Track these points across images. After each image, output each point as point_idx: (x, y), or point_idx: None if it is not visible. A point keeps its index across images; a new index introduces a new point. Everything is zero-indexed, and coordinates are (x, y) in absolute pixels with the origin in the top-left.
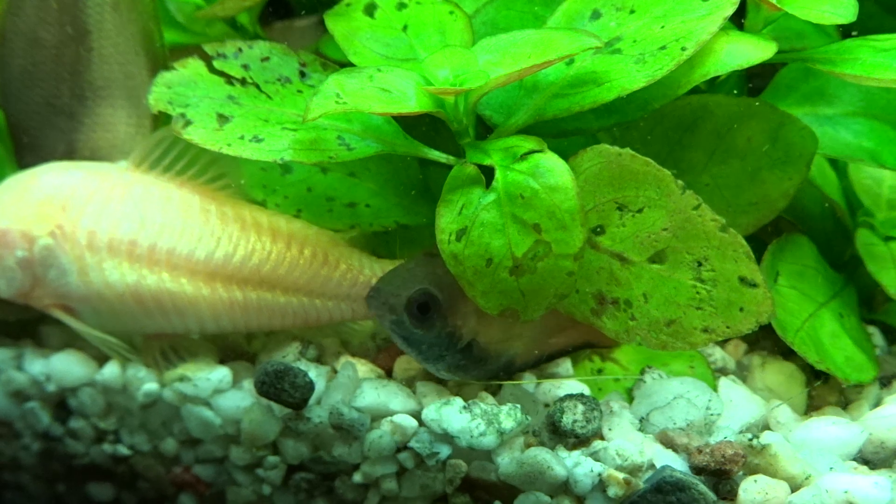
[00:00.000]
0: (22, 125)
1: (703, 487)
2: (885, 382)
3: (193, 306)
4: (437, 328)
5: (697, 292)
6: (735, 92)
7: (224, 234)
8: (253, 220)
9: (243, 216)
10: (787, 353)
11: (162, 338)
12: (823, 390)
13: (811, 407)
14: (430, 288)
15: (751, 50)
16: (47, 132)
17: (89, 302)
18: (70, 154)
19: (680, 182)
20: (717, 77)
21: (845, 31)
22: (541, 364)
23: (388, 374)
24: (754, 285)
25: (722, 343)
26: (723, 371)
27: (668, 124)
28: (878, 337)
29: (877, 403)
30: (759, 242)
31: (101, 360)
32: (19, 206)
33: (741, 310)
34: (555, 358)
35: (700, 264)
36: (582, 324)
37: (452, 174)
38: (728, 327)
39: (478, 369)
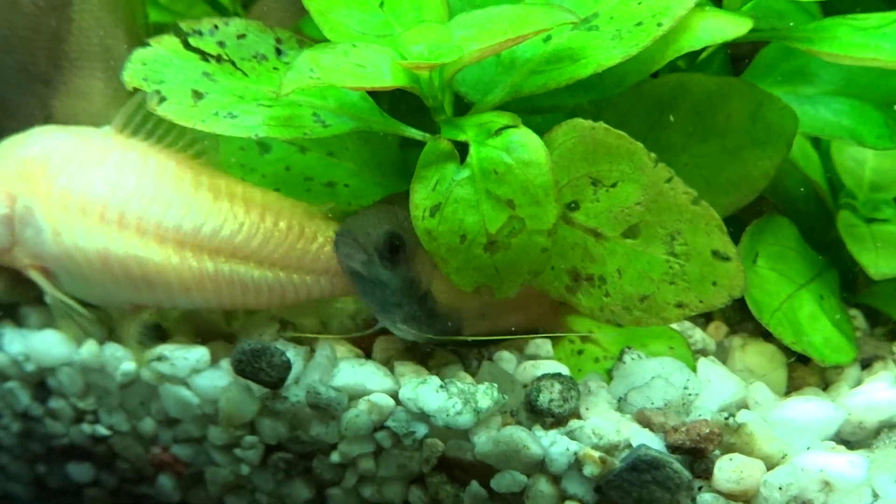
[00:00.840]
0: None
1: (678, 466)
2: (865, 364)
3: (161, 275)
4: (402, 271)
5: (671, 267)
6: (720, 72)
7: (196, 202)
8: (228, 189)
9: (218, 185)
10: (769, 335)
11: (137, 311)
12: (804, 372)
13: (791, 388)
14: (397, 229)
15: (726, 25)
16: (23, 97)
17: (62, 264)
18: (47, 120)
19: (652, 155)
20: (698, 56)
21: (828, 12)
22: (491, 339)
23: (368, 354)
24: (727, 259)
25: (703, 324)
26: (703, 352)
27: (647, 103)
28: (860, 319)
29: (857, 385)
30: (741, 224)
31: (81, 339)
32: (4, 166)
33: (714, 284)
34: (505, 337)
35: (673, 238)
36: (538, 307)
37: (426, 150)
38: (701, 301)
39: (430, 325)
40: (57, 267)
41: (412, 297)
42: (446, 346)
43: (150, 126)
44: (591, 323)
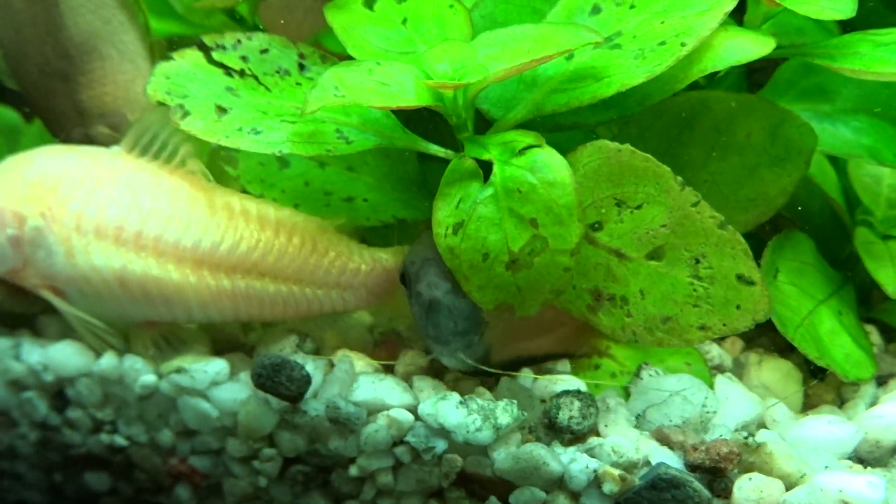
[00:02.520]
0: (32, 99)
1: (697, 485)
2: (881, 381)
3: (180, 294)
4: (473, 304)
5: (694, 289)
6: (736, 87)
7: (212, 221)
8: (242, 207)
9: (232, 204)
10: (784, 351)
11: (152, 326)
12: (820, 389)
13: (807, 405)
14: None
15: (749, 45)
16: (52, 99)
17: (75, 284)
18: (81, 115)
19: (679, 178)
20: (717, 72)
21: (846, 28)
22: (511, 363)
23: (390, 369)
24: (752, 283)
25: (719, 340)
26: (720, 368)
27: (667, 120)
28: (875, 335)
29: (873, 402)
30: (757, 240)
31: (99, 350)
32: (12, 187)
33: (738, 307)
34: (524, 363)
35: (698, 261)
36: (565, 329)
37: (450, 168)
38: (725, 325)
39: (480, 354)
40: (69, 287)
41: (479, 326)
42: (488, 374)
43: (159, 146)
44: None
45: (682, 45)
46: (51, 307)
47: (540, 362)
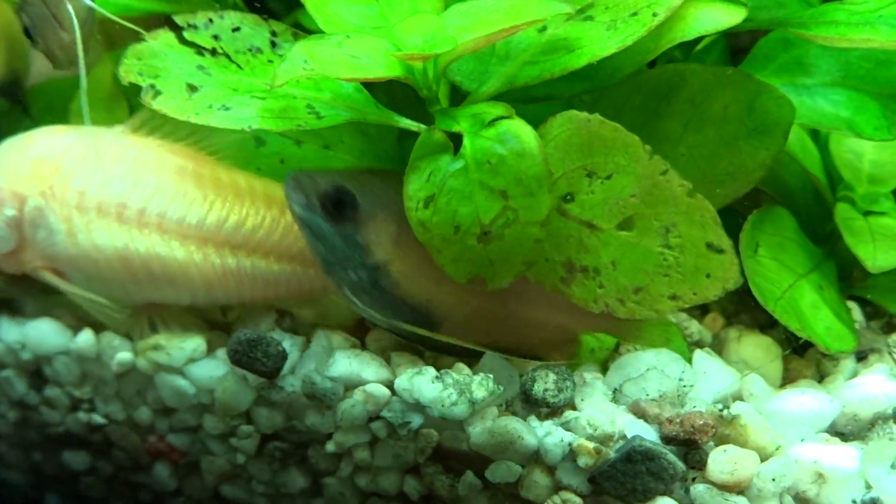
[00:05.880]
0: None
1: (672, 457)
2: (861, 357)
3: (184, 273)
4: (347, 230)
5: (665, 259)
6: (719, 63)
7: (217, 199)
8: (248, 186)
9: (237, 182)
10: (765, 327)
11: (155, 308)
12: (800, 364)
13: (787, 380)
14: (351, 188)
15: (720, 15)
16: None
17: (77, 264)
18: None
19: (648, 147)
20: (696, 46)
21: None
22: (465, 352)
23: (362, 345)
24: (721, 251)
25: (700, 316)
26: (699, 344)
27: (644, 93)
28: (856, 312)
29: (852, 377)
30: (736, 215)
31: (77, 328)
32: (12, 167)
33: (708, 276)
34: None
35: (668, 230)
36: (543, 334)
37: (420, 140)
38: (695, 293)
39: (381, 303)
40: (71, 268)
41: (358, 263)
42: (405, 337)
43: (166, 126)
44: None
45: (654, 15)
46: (32, 289)
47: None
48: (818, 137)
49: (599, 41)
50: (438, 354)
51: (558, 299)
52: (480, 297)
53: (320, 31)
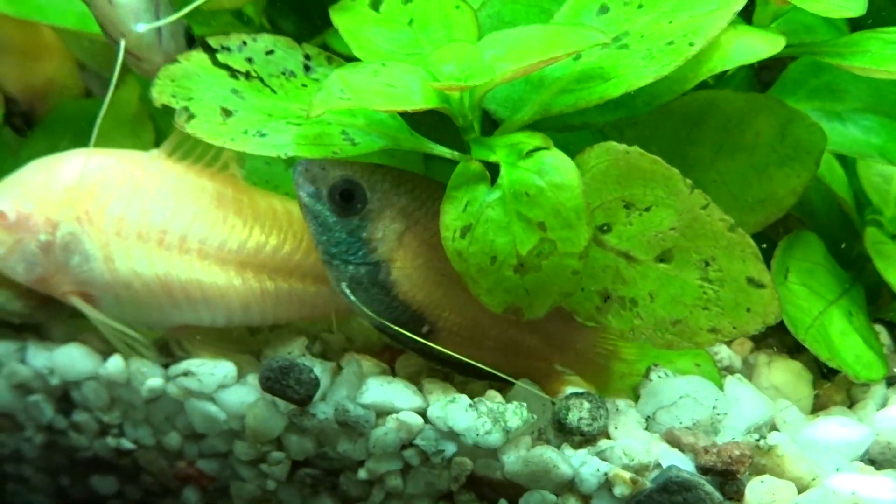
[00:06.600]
0: None
1: (709, 487)
2: (891, 382)
3: (223, 297)
4: (352, 224)
5: (704, 292)
6: (744, 85)
7: (256, 223)
8: (283, 209)
9: (274, 206)
10: (794, 351)
11: (183, 330)
12: (830, 389)
13: (817, 406)
14: (362, 182)
15: (759, 44)
16: None
17: (113, 290)
18: None
19: (688, 181)
20: (726, 71)
21: (855, 26)
22: (464, 370)
23: (391, 370)
24: (762, 286)
25: (728, 341)
26: (729, 369)
27: (676, 119)
28: (884, 336)
29: (883, 403)
30: (766, 240)
31: (106, 353)
32: (45, 190)
33: (748, 310)
34: (477, 374)
35: (707, 264)
36: (541, 362)
37: (457, 171)
38: (735, 328)
39: (377, 301)
40: (104, 293)
41: (360, 258)
42: (393, 338)
43: (200, 150)
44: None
45: (691, 44)
46: (61, 314)
47: (485, 378)
48: (845, 160)
49: (635, 70)
50: (468, 379)
51: (539, 325)
52: (476, 308)
53: (349, 53)
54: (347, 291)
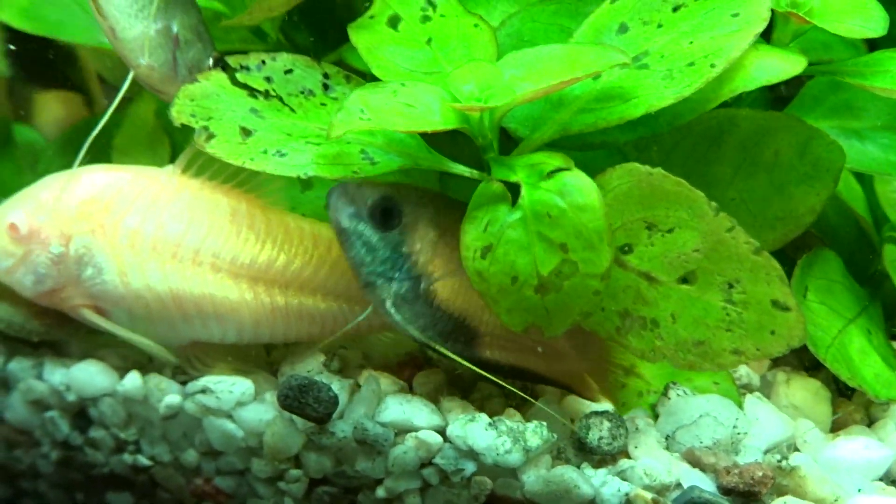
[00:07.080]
0: None
1: None
2: None
3: (235, 312)
4: (393, 238)
5: (727, 314)
6: (760, 101)
7: (269, 239)
8: (296, 225)
9: (286, 221)
10: (812, 369)
11: (194, 347)
12: (848, 407)
13: (836, 425)
14: (399, 200)
15: (780, 64)
16: None
17: (125, 303)
18: None
19: (713, 204)
20: None
21: (872, 44)
22: (503, 373)
23: (409, 387)
24: (787, 309)
25: None
26: (747, 387)
27: (694, 137)
28: None
29: None
30: (783, 257)
31: (123, 370)
32: (59, 204)
33: (772, 333)
34: (516, 374)
35: (731, 286)
36: (585, 359)
37: (478, 192)
38: (758, 349)
39: (422, 315)
40: (117, 306)
41: (404, 273)
42: (441, 355)
43: (215, 166)
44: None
45: (712, 66)
46: (78, 331)
47: (531, 381)
48: (863, 177)
49: (656, 91)
50: (486, 398)
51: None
52: None
53: (367, 70)
54: (392, 311)
